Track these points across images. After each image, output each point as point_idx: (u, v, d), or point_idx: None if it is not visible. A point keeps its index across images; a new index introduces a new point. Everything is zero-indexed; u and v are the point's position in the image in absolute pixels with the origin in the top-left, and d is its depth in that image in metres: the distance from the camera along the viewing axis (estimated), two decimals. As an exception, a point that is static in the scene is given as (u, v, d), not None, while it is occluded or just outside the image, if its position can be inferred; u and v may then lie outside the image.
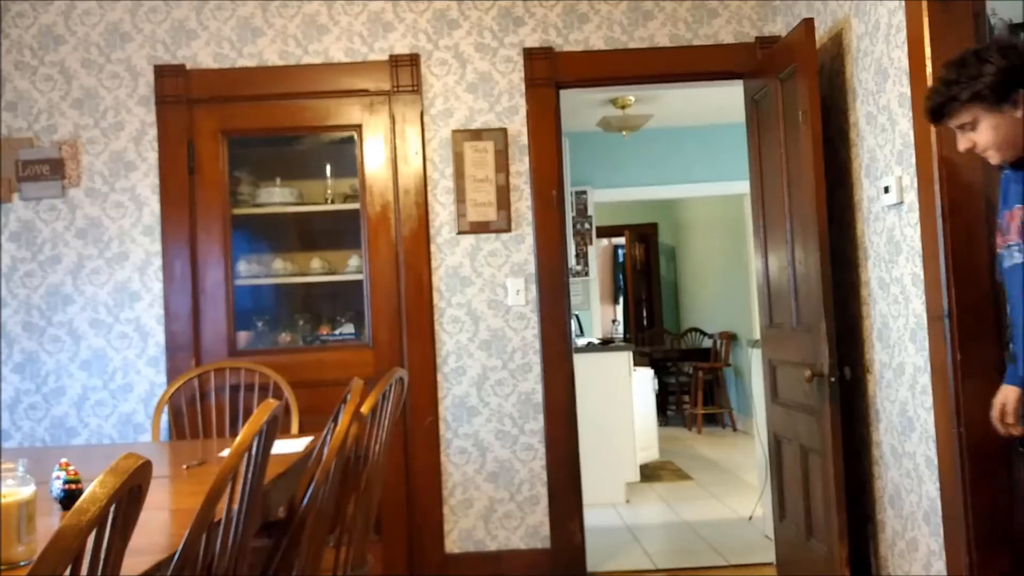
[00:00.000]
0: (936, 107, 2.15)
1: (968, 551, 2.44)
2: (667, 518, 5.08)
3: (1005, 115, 2.09)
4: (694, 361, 9.09)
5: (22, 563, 1.40)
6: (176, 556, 1.28)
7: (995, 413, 2.18)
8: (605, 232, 10.38)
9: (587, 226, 7.71)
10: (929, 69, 2.51)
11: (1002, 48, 2.08)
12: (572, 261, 7.28)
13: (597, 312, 8.50)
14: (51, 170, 3.77)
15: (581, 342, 6.07)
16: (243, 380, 3.54)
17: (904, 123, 2.74)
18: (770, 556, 3.92)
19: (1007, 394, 2.16)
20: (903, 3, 2.69)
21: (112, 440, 3.75)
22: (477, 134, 3.81)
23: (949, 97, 2.12)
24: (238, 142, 3.95)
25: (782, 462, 3.59)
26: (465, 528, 3.77)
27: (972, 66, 2.08)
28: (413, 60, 3.83)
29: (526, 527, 3.77)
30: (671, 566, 4.07)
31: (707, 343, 9.67)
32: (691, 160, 7.40)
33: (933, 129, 2.50)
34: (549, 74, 3.84)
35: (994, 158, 2.16)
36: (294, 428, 3.33)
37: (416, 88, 3.82)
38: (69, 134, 3.80)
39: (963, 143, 2.17)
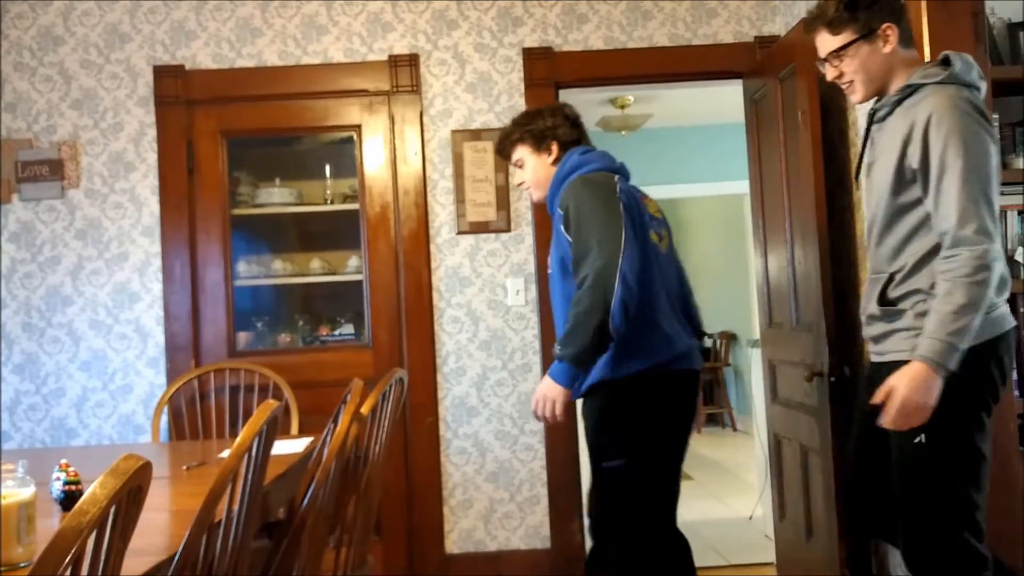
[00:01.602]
0: (498, 144, 2.75)
1: (968, 550, 2.43)
2: (667, 518, 5.07)
3: (542, 159, 2.65)
4: (694, 361, 9.07)
5: (22, 564, 1.40)
6: (176, 557, 1.28)
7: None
8: (605, 232, 10.35)
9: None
10: (928, 68, 2.51)
11: (554, 110, 2.71)
12: (572, 261, 7.25)
13: (597, 312, 8.48)
14: (50, 171, 3.77)
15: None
16: (243, 381, 3.54)
17: (903, 122, 2.73)
18: (770, 556, 3.92)
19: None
20: (902, 3, 2.68)
21: (112, 441, 3.75)
22: (476, 134, 3.81)
23: (506, 135, 2.70)
24: (237, 143, 3.95)
25: (782, 462, 3.59)
26: (465, 528, 3.77)
27: (528, 116, 2.71)
28: (412, 60, 3.83)
29: (526, 527, 3.77)
30: (671, 566, 4.06)
31: (707, 343, 9.67)
32: (691, 160, 7.39)
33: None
34: (548, 74, 3.83)
35: (535, 195, 2.72)
36: (294, 429, 3.33)
37: (415, 88, 3.82)
38: (68, 135, 3.80)
39: (516, 178, 2.75)
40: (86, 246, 3.78)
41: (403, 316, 3.77)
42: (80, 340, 3.77)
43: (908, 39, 2.15)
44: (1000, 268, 1.97)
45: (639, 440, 2.48)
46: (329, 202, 4.15)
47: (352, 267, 4.02)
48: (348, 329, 4.08)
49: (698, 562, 4.07)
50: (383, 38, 3.86)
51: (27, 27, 3.82)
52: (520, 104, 3.82)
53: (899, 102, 2.10)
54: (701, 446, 7.47)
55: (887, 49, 2.10)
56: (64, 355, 3.77)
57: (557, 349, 2.43)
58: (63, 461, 1.88)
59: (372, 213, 3.82)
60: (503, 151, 2.73)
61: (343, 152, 4.08)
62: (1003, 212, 2.52)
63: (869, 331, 2.20)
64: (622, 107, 6.42)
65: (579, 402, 2.71)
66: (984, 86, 2.13)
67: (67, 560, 0.91)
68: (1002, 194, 2.48)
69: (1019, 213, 2.58)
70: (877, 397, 2.00)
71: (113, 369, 3.77)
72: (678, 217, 10.93)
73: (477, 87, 3.85)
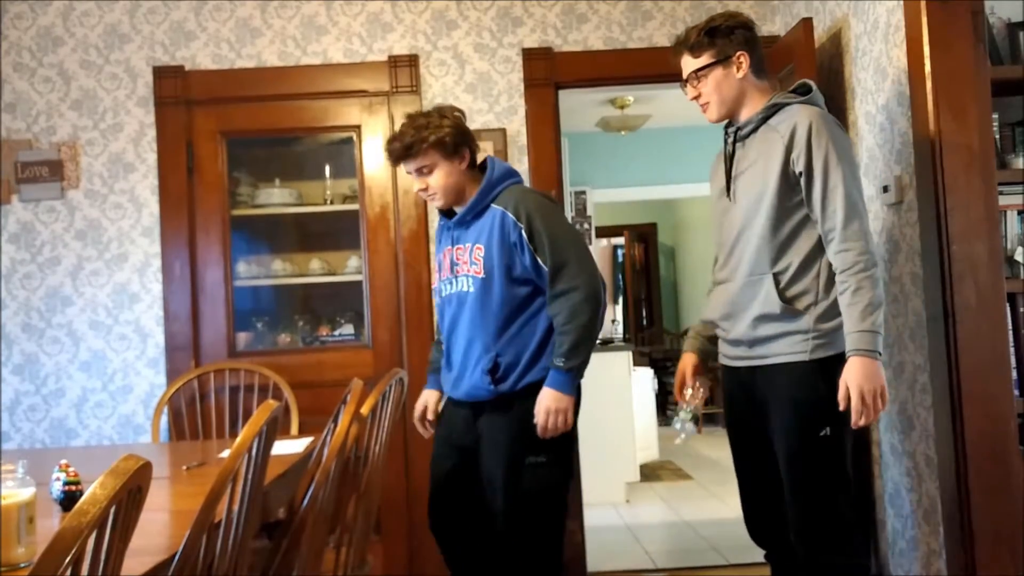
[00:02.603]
0: (407, 146, 2.55)
1: (968, 549, 2.44)
2: (667, 518, 5.08)
3: (454, 165, 2.57)
4: (694, 361, 9.06)
5: (22, 564, 1.41)
6: (176, 557, 1.28)
7: (417, 415, 2.80)
8: (604, 232, 10.37)
9: (586, 226, 7.70)
10: (928, 68, 2.51)
11: (452, 109, 2.62)
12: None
13: (596, 312, 8.48)
14: (50, 172, 3.77)
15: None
16: (243, 381, 3.54)
17: (903, 122, 2.74)
18: (770, 556, 3.91)
19: (427, 397, 2.81)
20: (901, 2, 2.69)
21: (112, 441, 3.75)
22: (476, 134, 3.78)
23: (420, 139, 2.53)
24: (237, 143, 3.94)
25: (782, 462, 3.59)
26: (465, 528, 3.76)
27: (436, 118, 2.57)
28: (412, 61, 3.83)
29: (526, 527, 3.76)
30: (671, 566, 4.07)
31: (707, 343, 9.64)
32: (690, 160, 7.39)
33: (932, 128, 2.50)
34: (548, 74, 3.83)
35: (438, 202, 2.64)
36: (294, 429, 3.33)
37: (415, 89, 3.82)
38: (68, 136, 3.80)
39: (419, 184, 2.62)
40: (86, 247, 3.78)
41: (403, 316, 3.77)
42: (80, 340, 3.77)
43: (761, 69, 2.40)
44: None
45: (563, 438, 2.57)
46: (329, 202, 4.15)
47: (352, 267, 4.02)
48: (348, 329, 4.07)
49: (698, 562, 4.10)
50: (383, 38, 3.86)
51: (26, 27, 3.82)
52: (520, 104, 3.82)
53: (764, 120, 2.35)
54: (701, 446, 7.47)
55: (740, 74, 2.37)
56: (64, 355, 3.77)
57: (561, 361, 2.48)
58: (63, 461, 1.88)
59: (372, 213, 3.82)
60: (410, 154, 2.56)
61: (343, 152, 4.08)
62: (1003, 212, 2.53)
63: (755, 332, 2.34)
64: (622, 107, 6.42)
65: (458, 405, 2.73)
66: None
67: (67, 560, 0.91)
68: (1001, 194, 2.50)
69: (1019, 213, 2.58)
70: (842, 402, 2.18)
71: (113, 369, 3.77)
72: (677, 217, 10.95)
73: (477, 87, 3.85)
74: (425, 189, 2.61)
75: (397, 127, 3.78)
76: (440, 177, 2.58)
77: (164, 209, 3.77)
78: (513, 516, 2.56)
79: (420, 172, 2.59)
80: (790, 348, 2.28)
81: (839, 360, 2.22)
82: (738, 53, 2.35)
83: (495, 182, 2.60)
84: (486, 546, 2.67)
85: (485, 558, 2.71)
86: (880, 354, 2.17)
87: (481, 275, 2.55)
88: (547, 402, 2.49)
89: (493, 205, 2.57)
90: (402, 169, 3.75)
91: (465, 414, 2.67)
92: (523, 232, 2.51)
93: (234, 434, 3.48)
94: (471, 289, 2.56)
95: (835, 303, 2.24)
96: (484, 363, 2.55)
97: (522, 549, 2.56)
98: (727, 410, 2.57)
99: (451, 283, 2.64)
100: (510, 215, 2.53)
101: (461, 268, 2.60)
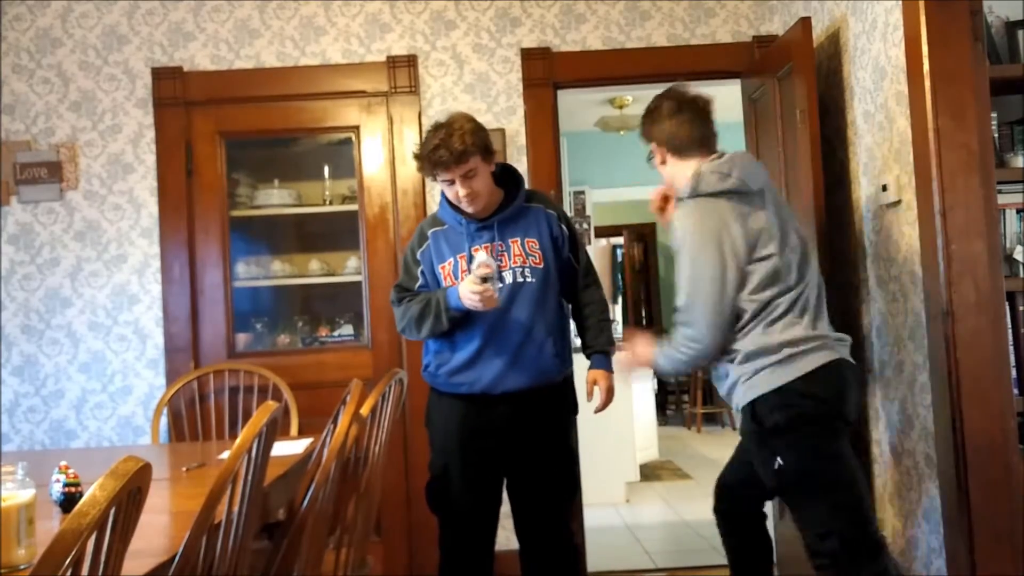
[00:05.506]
0: (460, 153, 2.50)
1: (968, 548, 2.44)
2: (667, 518, 5.08)
3: (488, 169, 2.61)
4: (693, 360, 9.08)
5: (22, 566, 1.41)
6: (176, 558, 1.28)
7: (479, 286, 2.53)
8: (603, 232, 10.36)
9: (585, 226, 7.70)
10: (927, 67, 2.51)
11: (470, 118, 2.61)
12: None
13: (596, 312, 8.49)
14: (49, 173, 3.77)
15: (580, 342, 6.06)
16: (242, 382, 3.54)
17: (902, 121, 2.74)
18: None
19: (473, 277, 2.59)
20: (900, 2, 2.68)
21: (111, 443, 3.75)
22: (475, 135, 3.80)
23: (470, 144, 2.51)
24: (236, 144, 3.95)
25: (782, 461, 3.59)
26: (465, 529, 3.76)
27: (469, 124, 2.56)
28: (411, 61, 3.83)
29: (526, 527, 3.76)
30: (671, 566, 4.07)
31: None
32: (689, 159, 7.38)
33: (931, 127, 2.50)
34: (547, 74, 3.84)
35: (478, 206, 2.60)
36: (293, 430, 3.33)
37: (414, 89, 3.82)
38: (67, 137, 3.80)
39: (463, 190, 2.54)
40: (85, 248, 3.78)
41: (402, 317, 3.77)
42: (79, 342, 3.77)
43: (680, 148, 2.68)
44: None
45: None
46: (328, 203, 4.15)
47: (351, 268, 4.02)
48: (347, 330, 4.07)
49: (698, 562, 4.10)
50: (381, 39, 3.86)
51: (25, 29, 3.82)
52: (519, 104, 3.82)
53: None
54: (701, 445, 7.47)
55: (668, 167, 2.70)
56: (63, 357, 3.77)
57: (609, 347, 2.84)
58: (63, 463, 1.88)
59: (371, 214, 3.82)
60: (461, 160, 2.51)
61: (342, 153, 4.08)
62: (1002, 211, 2.53)
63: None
64: (620, 107, 6.42)
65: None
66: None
67: (67, 562, 0.91)
68: (1000, 192, 2.50)
69: (1018, 212, 2.58)
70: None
71: (112, 371, 3.77)
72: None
73: (475, 88, 3.85)
74: (469, 194, 2.55)
75: (395, 127, 3.81)
76: (483, 181, 2.58)
77: (163, 210, 3.77)
78: (574, 480, 2.89)
79: (465, 177, 2.53)
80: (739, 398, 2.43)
81: (763, 398, 2.33)
82: (653, 145, 2.67)
83: (529, 191, 2.77)
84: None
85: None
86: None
87: (541, 265, 2.65)
88: (609, 382, 2.79)
89: (529, 204, 2.72)
90: (400, 170, 3.79)
91: (502, 412, 2.66)
92: (564, 231, 2.72)
93: (234, 435, 3.47)
94: (530, 279, 2.63)
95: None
96: (550, 347, 2.66)
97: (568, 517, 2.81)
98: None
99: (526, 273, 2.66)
100: (552, 213, 2.72)
101: (510, 262, 2.63)
